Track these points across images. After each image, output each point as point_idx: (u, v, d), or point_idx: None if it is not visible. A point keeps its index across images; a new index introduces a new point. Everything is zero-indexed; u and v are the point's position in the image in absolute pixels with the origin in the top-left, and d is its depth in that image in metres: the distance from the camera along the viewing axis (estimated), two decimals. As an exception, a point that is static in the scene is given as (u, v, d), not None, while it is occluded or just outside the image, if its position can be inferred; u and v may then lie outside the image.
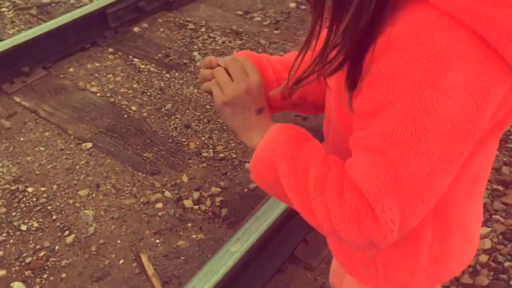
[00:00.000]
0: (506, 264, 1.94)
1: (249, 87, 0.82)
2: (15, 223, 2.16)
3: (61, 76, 3.09)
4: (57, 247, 2.07)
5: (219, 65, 0.87)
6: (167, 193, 2.29)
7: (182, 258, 2.03)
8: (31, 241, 2.09)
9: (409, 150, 0.63)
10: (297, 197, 0.74)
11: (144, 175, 2.40)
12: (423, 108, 0.60)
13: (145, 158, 2.49)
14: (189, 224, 2.16)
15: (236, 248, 1.83)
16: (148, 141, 2.59)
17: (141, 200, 2.27)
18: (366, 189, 0.66)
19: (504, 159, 2.41)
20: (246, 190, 2.32)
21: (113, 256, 2.03)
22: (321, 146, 0.80)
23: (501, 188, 2.27)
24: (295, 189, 0.74)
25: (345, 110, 0.75)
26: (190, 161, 2.47)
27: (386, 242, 0.67)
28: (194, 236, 2.11)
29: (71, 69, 3.14)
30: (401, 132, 0.62)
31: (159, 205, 2.24)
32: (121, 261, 2.01)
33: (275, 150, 0.77)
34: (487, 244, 2.02)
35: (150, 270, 1.97)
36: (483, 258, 1.97)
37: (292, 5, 3.79)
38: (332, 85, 0.80)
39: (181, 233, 2.13)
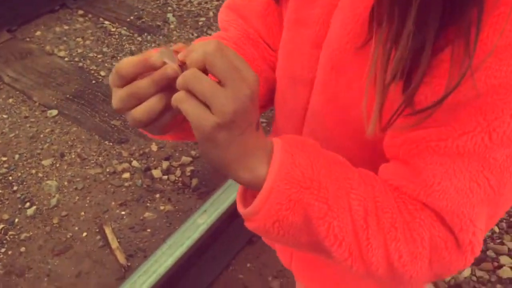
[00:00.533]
0: (485, 234, 1.87)
1: (253, 92, 0.48)
2: (-26, 195, 2.06)
3: (27, 39, 2.92)
4: (16, 220, 1.96)
5: (180, 66, 0.49)
6: (134, 163, 2.18)
7: (149, 230, 1.94)
8: (-10, 214, 1.99)
9: None
10: (343, 243, 0.52)
11: (111, 144, 2.28)
12: None
13: (113, 126, 2.37)
14: (157, 195, 2.06)
15: (202, 220, 1.73)
16: (116, 108, 2.46)
17: (107, 170, 2.16)
18: (452, 209, 0.51)
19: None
20: (218, 159, 2.21)
21: (76, 228, 1.94)
22: (341, 156, 0.58)
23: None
24: (340, 232, 0.52)
25: (338, 106, 0.61)
26: (161, 129, 2.35)
27: (458, 271, 0.54)
28: (162, 208, 2.01)
29: (38, 33, 2.97)
30: None
31: (126, 175, 2.13)
32: (84, 234, 1.92)
33: (300, 182, 0.51)
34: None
35: (114, 243, 1.88)
36: None
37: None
38: (319, 80, 0.64)
39: (148, 204, 2.03)
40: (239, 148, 0.49)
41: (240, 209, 0.55)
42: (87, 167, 2.17)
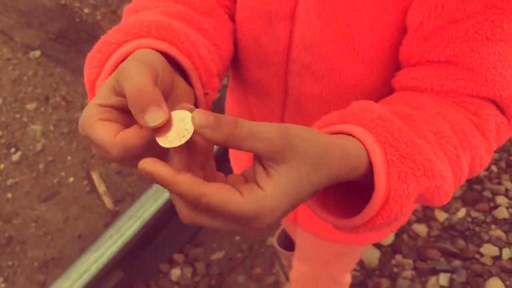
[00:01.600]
0: (481, 173, 1.81)
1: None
2: (-42, 141, 2.01)
3: (7, -25, 2.76)
4: (2, 166, 1.92)
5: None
6: (121, 105, 2.11)
7: (137, 174, 1.89)
8: (-25, 160, 1.95)
9: None
10: (447, 191, 0.47)
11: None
12: None
13: (99, 67, 2.27)
14: (145, 138, 2.00)
15: (188, 164, 1.68)
16: (102, 47, 2.35)
17: (93, 113, 2.09)
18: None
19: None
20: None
21: (63, 173, 1.90)
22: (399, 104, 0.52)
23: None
24: (445, 184, 0.46)
25: (337, 29, 0.55)
26: (148, 69, 2.26)
27: None
28: (150, 151, 1.96)
29: (18, -32, 2.80)
30: None
31: (113, 118, 2.07)
32: (71, 179, 1.88)
33: (413, 171, 0.44)
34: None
35: (101, 188, 1.84)
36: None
37: None
38: (306, 8, 0.56)
39: (136, 148, 1.98)
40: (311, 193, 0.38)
41: (337, 221, 0.46)
42: (72, 110, 2.10)
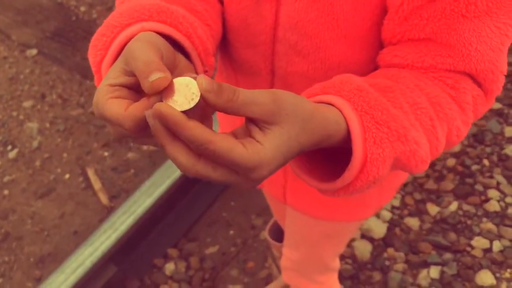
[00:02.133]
0: (473, 167, 1.82)
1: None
2: (-45, 139, 2.03)
3: (4, -25, 2.78)
4: (-1, 163, 1.95)
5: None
6: (117, 102, 2.13)
7: (132, 170, 1.91)
8: (-28, 157, 1.98)
9: None
10: (423, 157, 0.51)
11: (93, 82, 2.21)
12: None
13: (94, 65, 2.29)
14: (140, 135, 2.02)
15: (182, 160, 1.70)
16: (97, 45, 2.37)
17: (89, 110, 2.11)
18: (488, 68, 0.54)
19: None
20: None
21: (59, 170, 1.92)
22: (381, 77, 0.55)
23: (478, 86, 2.10)
24: (420, 149, 0.50)
25: (321, 7, 0.57)
26: (143, 66, 2.27)
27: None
28: (145, 148, 1.98)
29: (14, -33, 2.82)
30: None
31: (109, 115, 2.08)
32: (67, 176, 1.90)
33: (388, 137, 0.48)
34: (456, 147, 1.89)
35: (97, 184, 1.86)
36: (450, 162, 1.85)
37: None
38: None
39: (131, 144, 2.00)
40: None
41: (319, 184, 0.49)
42: (68, 108, 2.12)
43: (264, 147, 0.39)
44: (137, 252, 1.64)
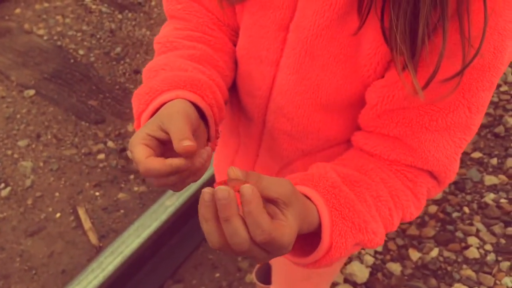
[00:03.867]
0: (454, 214, 1.88)
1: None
2: (-51, 176, 2.07)
3: (6, 17, 2.89)
4: (-9, 201, 1.98)
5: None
6: (110, 143, 2.19)
7: (122, 211, 1.95)
8: (-35, 195, 2.01)
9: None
10: (380, 240, 0.64)
11: (87, 124, 2.28)
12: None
13: (90, 106, 2.36)
14: (132, 176, 2.07)
15: (171, 202, 1.75)
16: (94, 87, 2.45)
17: (82, 151, 2.16)
18: (442, 169, 0.65)
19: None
20: (194, 139, 2.21)
21: (50, 209, 1.95)
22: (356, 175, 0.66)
23: (459, 135, 2.18)
24: (378, 234, 0.63)
25: (309, 86, 0.68)
26: (137, 109, 2.34)
27: None
28: (136, 189, 2.03)
29: (17, 10, 2.93)
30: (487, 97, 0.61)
31: (101, 156, 2.14)
32: (58, 215, 1.94)
33: (351, 229, 0.60)
34: (438, 195, 1.95)
35: (87, 224, 1.89)
36: (432, 208, 1.91)
37: None
38: (288, 61, 0.68)
39: (122, 185, 2.04)
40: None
41: (301, 260, 0.60)
42: (62, 148, 2.18)
43: (291, 229, 0.47)
44: (123, 293, 1.66)
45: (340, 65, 0.64)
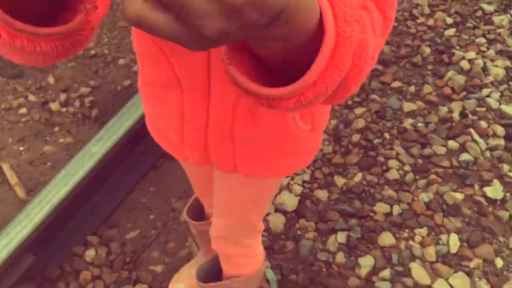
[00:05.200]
0: (376, 141, 1.98)
1: None
2: None
3: None
4: None
5: None
6: (31, 97, 2.11)
7: (49, 163, 1.92)
8: None
9: None
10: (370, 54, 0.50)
11: (5, 79, 2.18)
12: None
13: (6, 61, 2.25)
14: (56, 128, 2.02)
15: (97, 148, 1.73)
16: (9, 41, 2.33)
17: (2, 106, 2.08)
18: None
19: (387, 38, 2.38)
20: (119, 88, 2.17)
21: (-28, 168, 1.89)
22: None
23: (380, 67, 2.27)
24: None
25: None
26: (58, 60, 2.26)
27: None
28: (61, 140, 1.98)
29: None
30: None
31: (23, 110, 2.07)
32: (-19, 173, 1.88)
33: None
34: (360, 123, 2.04)
35: (13, 179, 1.85)
36: (355, 137, 2.00)
37: None
38: None
39: (47, 138, 1.99)
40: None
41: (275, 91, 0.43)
42: (-19, 104, 2.08)
43: None
44: (55, 241, 1.66)
45: None
